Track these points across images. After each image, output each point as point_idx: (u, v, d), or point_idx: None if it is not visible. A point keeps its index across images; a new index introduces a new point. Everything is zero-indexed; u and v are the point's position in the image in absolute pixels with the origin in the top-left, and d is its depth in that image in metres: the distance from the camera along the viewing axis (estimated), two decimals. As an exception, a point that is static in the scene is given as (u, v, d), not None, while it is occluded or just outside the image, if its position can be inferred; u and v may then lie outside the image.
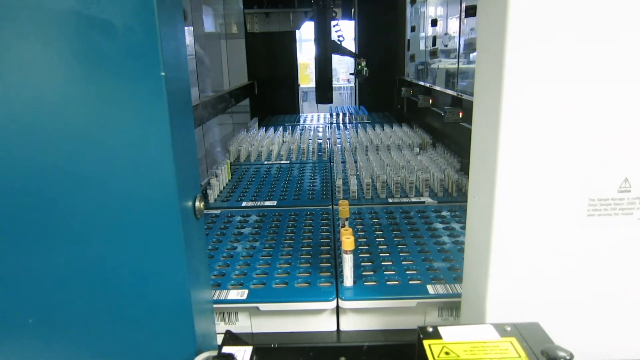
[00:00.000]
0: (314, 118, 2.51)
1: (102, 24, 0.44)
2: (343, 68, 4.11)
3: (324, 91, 1.58)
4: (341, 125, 2.22)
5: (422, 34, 1.94)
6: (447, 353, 0.45)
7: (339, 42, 2.02)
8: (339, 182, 1.22)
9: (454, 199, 1.17)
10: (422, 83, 1.85)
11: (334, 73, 2.27)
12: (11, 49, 0.45)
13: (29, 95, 0.46)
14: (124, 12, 0.44)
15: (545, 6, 0.44)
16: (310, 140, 1.78)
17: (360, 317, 0.74)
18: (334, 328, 0.74)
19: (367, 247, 0.90)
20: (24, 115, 0.47)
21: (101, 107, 0.46)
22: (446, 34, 1.58)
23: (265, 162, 1.59)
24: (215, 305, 0.71)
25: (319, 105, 2.20)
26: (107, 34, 0.45)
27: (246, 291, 0.74)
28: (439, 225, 0.99)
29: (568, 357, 0.43)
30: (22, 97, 0.46)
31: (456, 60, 1.43)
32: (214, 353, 0.54)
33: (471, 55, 1.32)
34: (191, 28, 1.51)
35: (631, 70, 0.46)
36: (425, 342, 0.46)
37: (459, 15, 1.41)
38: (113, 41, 0.45)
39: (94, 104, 0.46)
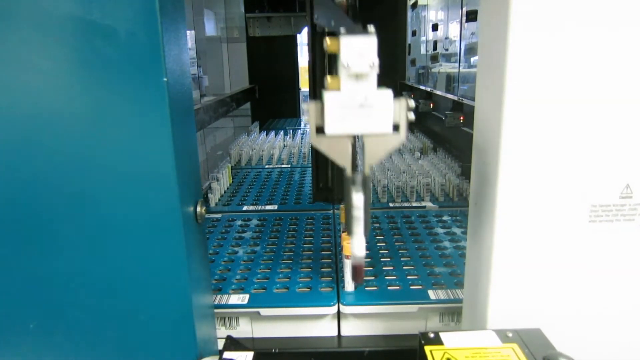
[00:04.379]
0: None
1: (104, 29, 0.45)
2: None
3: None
4: (342, 129, 2.22)
5: (423, 38, 1.95)
6: (448, 359, 0.45)
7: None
8: (340, 186, 1.22)
9: (455, 204, 1.17)
10: (422, 87, 1.85)
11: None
12: (14, 54, 0.45)
13: (31, 100, 0.46)
14: (127, 18, 0.44)
15: (548, 11, 0.44)
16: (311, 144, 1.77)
17: (362, 322, 0.74)
18: (335, 333, 0.74)
19: (368, 251, 0.90)
20: (26, 121, 0.47)
21: (103, 112, 0.47)
22: (447, 38, 1.58)
23: (266, 166, 1.59)
24: (216, 310, 0.71)
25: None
26: (109, 39, 0.45)
27: (247, 296, 0.74)
28: (440, 230, 0.99)
29: (570, 364, 0.43)
30: (24, 102, 0.46)
31: (457, 64, 1.43)
32: (215, 358, 0.54)
33: (472, 59, 1.33)
34: (193, 32, 1.51)
35: (631, 77, 0.46)
36: (427, 348, 0.46)
37: (459, 20, 1.42)
38: (116, 47, 0.45)
39: (96, 109, 0.47)
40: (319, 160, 0.75)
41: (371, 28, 0.37)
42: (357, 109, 0.36)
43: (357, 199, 0.38)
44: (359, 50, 0.35)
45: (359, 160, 0.43)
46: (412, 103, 0.38)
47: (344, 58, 0.36)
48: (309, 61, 0.74)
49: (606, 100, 0.47)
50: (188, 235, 0.51)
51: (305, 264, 0.85)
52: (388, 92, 0.37)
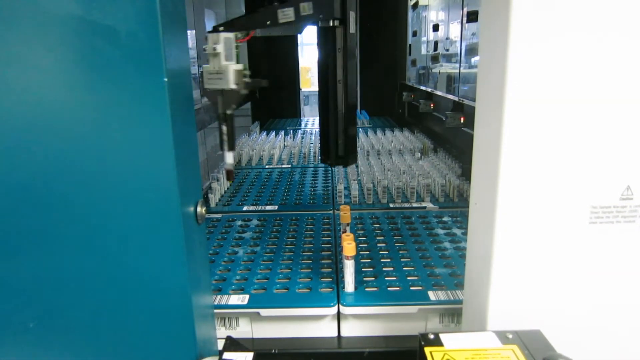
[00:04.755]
0: (315, 122, 2.51)
1: (105, 29, 0.45)
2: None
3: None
4: (342, 129, 2.21)
5: (424, 39, 1.94)
6: (448, 360, 0.45)
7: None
8: (340, 186, 1.22)
9: (456, 205, 1.17)
10: (423, 88, 1.85)
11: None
12: (15, 53, 0.45)
13: (32, 100, 0.46)
14: (128, 18, 0.44)
15: (548, 12, 0.44)
16: (312, 145, 1.78)
17: (361, 323, 0.74)
18: (335, 334, 0.74)
19: (368, 252, 0.90)
20: (26, 120, 0.47)
21: (104, 112, 0.47)
22: (447, 38, 1.58)
23: (267, 167, 1.59)
24: (216, 311, 0.71)
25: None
26: (110, 39, 0.45)
27: (247, 296, 0.74)
28: (441, 231, 0.99)
29: (570, 365, 0.43)
30: (25, 102, 0.46)
31: (458, 64, 1.43)
32: (215, 359, 0.54)
33: (473, 60, 1.32)
34: (193, 32, 1.51)
35: (631, 77, 0.46)
36: (427, 350, 0.46)
37: (460, 20, 1.42)
38: (116, 47, 0.45)
39: (97, 109, 0.47)
40: (326, 128, 0.86)
41: (222, 29, 0.65)
42: (215, 74, 0.58)
43: (224, 128, 0.60)
44: (212, 40, 0.60)
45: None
46: (247, 72, 0.60)
47: (207, 45, 0.60)
48: (318, 60, 0.84)
49: (606, 101, 0.46)
50: (188, 235, 0.51)
51: (305, 264, 0.85)
52: (232, 65, 0.59)
